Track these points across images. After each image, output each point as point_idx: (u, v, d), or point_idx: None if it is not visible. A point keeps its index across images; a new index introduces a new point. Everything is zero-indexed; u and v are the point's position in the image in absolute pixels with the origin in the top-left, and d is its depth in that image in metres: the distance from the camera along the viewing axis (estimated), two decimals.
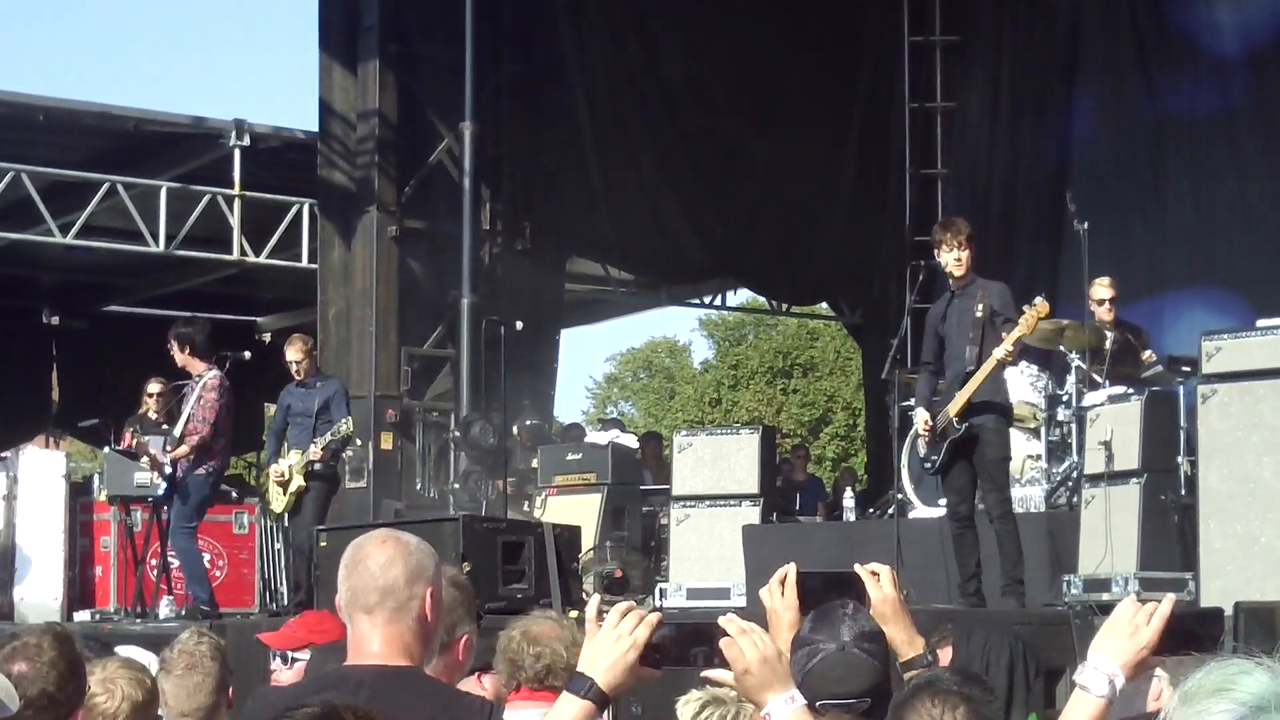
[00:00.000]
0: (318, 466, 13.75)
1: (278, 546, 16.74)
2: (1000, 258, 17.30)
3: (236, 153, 18.85)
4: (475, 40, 17.44)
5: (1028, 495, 12.78)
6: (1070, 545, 11.28)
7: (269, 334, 24.16)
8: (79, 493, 16.70)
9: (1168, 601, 3.40)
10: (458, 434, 17.34)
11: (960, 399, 10.49)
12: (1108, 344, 12.91)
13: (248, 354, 14.49)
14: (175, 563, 14.13)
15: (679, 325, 71.76)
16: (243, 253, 19.29)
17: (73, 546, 16.16)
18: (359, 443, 16.89)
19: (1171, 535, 10.77)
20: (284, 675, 5.79)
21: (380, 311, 17.80)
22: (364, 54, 17.96)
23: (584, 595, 11.89)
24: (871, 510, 16.24)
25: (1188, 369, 11.21)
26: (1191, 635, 3.44)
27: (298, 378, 14.07)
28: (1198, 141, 17.13)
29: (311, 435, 13.77)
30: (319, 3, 18.42)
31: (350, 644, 3.95)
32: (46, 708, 4.08)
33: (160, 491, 13.60)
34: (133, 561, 14.73)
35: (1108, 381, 12.49)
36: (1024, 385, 12.93)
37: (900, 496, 12.94)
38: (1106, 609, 3.46)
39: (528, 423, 17.19)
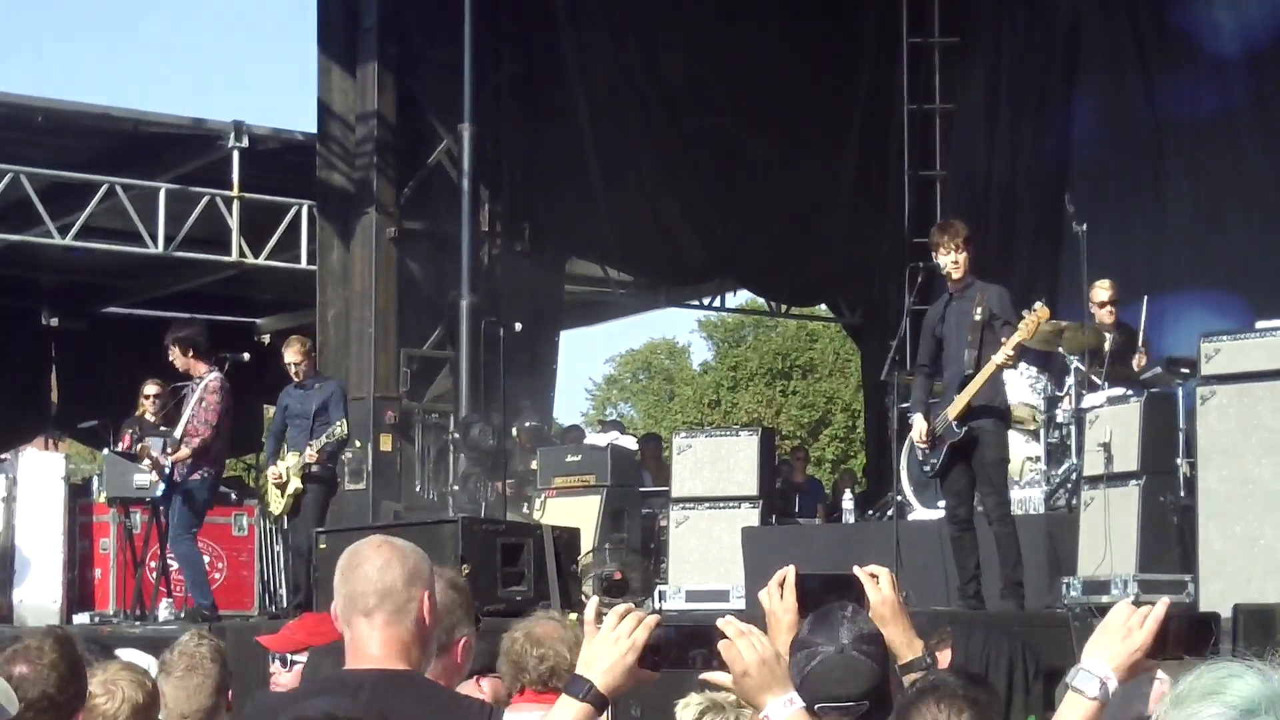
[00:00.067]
0: (315, 469, 13.74)
1: (277, 549, 16.73)
2: (999, 259, 17.30)
3: (235, 154, 18.85)
4: (474, 41, 17.44)
5: (1027, 497, 12.77)
6: (1069, 547, 11.28)
7: (268, 335, 24.17)
8: (78, 495, 16.69)
9: (1161, 604, 3.40)
10: (457, 435, 17.34)
11: (959, 402, 10.48)
12: (1107, 345, 12.91)
13: (247, 355, 14.48)
14: (174, 565, 14.12)
15: (678, 327, 71.82)
16: (241, 254, 19.29)
17: (72, 548, 16.15)
18: (358, 444, 16.89)
19: (1171, 537, 10.77)
20: (283, 678, 5.78)
21: (379, 313, 17.80)
22: (363, 55, 17.96)
23: (583, 597, 11.88)
24: (871, 512, 16.24)
25: (1187, 370, 11.21)
26: (1186, 638, 3.44)
27: (296, 379, 14.06)
28: (1197, 142, 17.13)
29: (309, 437, 13.76)
30: (318, 4, 18.43)
31: (348, 648, 3.94)
32: (47, 710, 4.08)
33: (159, 493, 13.60)
34: (132, 563, 14.72)
35: (1107, 383, 12.49)
36: (1023, 387, 12.92)
37: (899, 498, 12.93)
38: (1106, 611, 3.45)
39: (527, 424, 17.19)
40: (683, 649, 3.54)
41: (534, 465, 15.98)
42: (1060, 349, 13.11)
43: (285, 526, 14.92)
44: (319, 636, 5.68)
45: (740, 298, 27.21)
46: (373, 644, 3.87)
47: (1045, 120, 18.53)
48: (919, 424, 10.77)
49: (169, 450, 13.48)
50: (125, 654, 5.89)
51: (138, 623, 13.63)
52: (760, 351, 48.82)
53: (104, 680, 4.91)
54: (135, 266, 21.96)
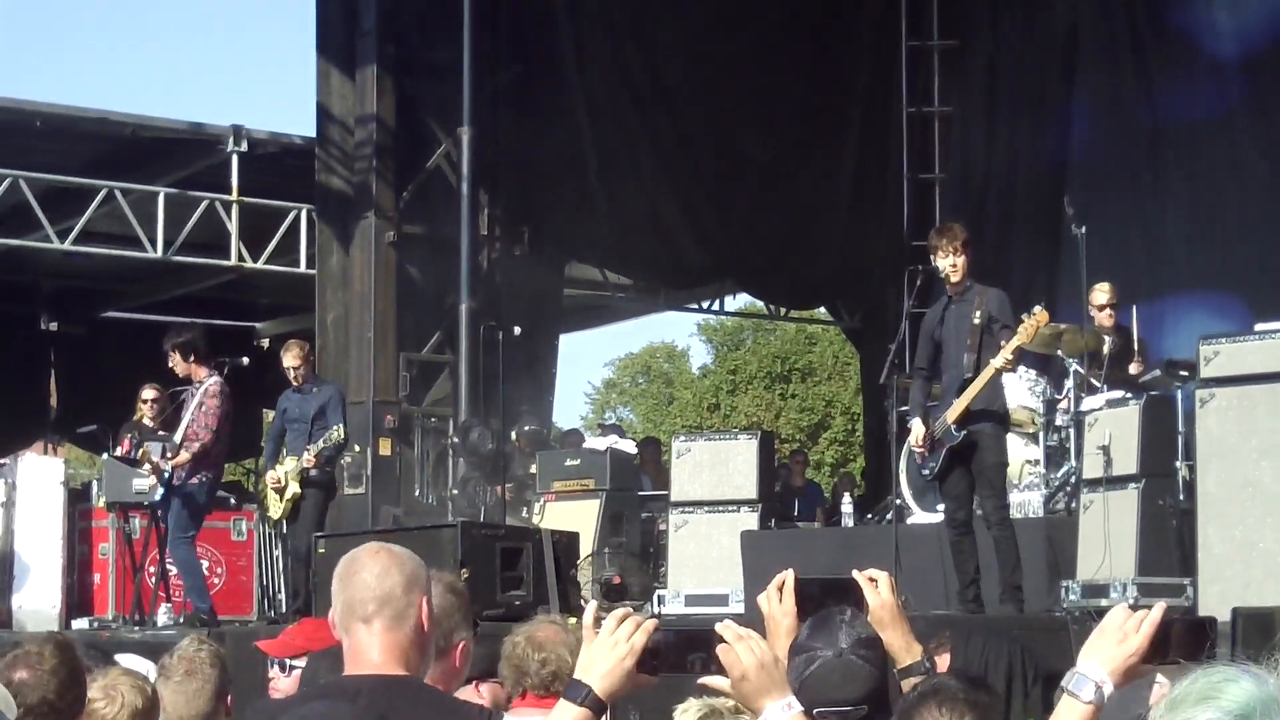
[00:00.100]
0: (313, 473, 13.72)
1: (276, 553, 16.73)
2: (998, 262, 17.30)
3: (234, 158, 18.86)
4: (473, 44, 17.46)
5: (1026, 501, 12.77)
6: (1069, 551, 11.27)
7: (267, 339, 24.15)
8: (77, 499, 16.69)
9: (1158, 609, 3.40)
10: (456, 440, 17.34)
11: (958, 406, 10.48)
12: (1106, 348, 12.90)
13: (246, 360, 14.48)
14: (174, 570, 14.12)
15: (677, 330, 71.72)
16: (241, 258, 19.30)
17: (71, 553, 16.14)
18: (357, 449, 16.88)
19: (1170, 540, 10.76)
20: (281, 683, 5.78)
21: (378, 316, 17.80)
22: (362, 59, 17.96)
23: (582, 601, 11.87)
24: (870, 516, 16.23)
25: (1186, 373, 11.20)
26: (1182, 643, 3.43)
27: (295, 383, 14.06)
28: (1196, 144, 17.14)
29: (307, 441, 13.75)
30: (316, 8, 18.42)
31: (347, 655, 3.93)
32: (47, 715, 4.09)
33: (158, 497, 13.60)
34: (131, 568, 14.72)
35: (1106, 386, 12.49)
36: (1022, 390, 12.92)
37: (899, 502, 12.92)
38: (1105, 615, 3.46)
39: (526, 428, 17.18)
40: (681, 653, 3.54)
41: (533, 469, 15.97)
42: (1059, 352, 13.11)
43: (284, 531, 14.92)
44: (318, 641, 5.67)
45: (739, 301, 27.23)
46: (372, 650, 3.87)
47: (1044, 123, 18.54)
48: (917, 428, 10.77)
49: (168, 455, 13.48)
50: (124, 659, 5.89)
51: (137, 628, 13.63)
52: (759, 355, 48.84)
53: (104, 685, 4.91)
54: (134, 271, 21.97)
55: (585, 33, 18.74)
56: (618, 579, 12.67)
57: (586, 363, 75.50)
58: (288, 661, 5.84)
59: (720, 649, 3.46)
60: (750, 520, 13.73)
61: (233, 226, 18.97)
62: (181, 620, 13.42)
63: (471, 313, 17.44)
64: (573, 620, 5.56)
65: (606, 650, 3.49)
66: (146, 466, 13.59)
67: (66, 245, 18.75)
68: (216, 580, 16.10)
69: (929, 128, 19.47)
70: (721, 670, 3.47)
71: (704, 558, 13.78)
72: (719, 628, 3.49)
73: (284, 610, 14.98)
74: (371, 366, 17.73)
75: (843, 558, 11.79)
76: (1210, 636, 3.54)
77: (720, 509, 13.87)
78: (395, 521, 16.41)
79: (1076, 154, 18.19)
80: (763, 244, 20.13)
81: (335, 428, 13.68)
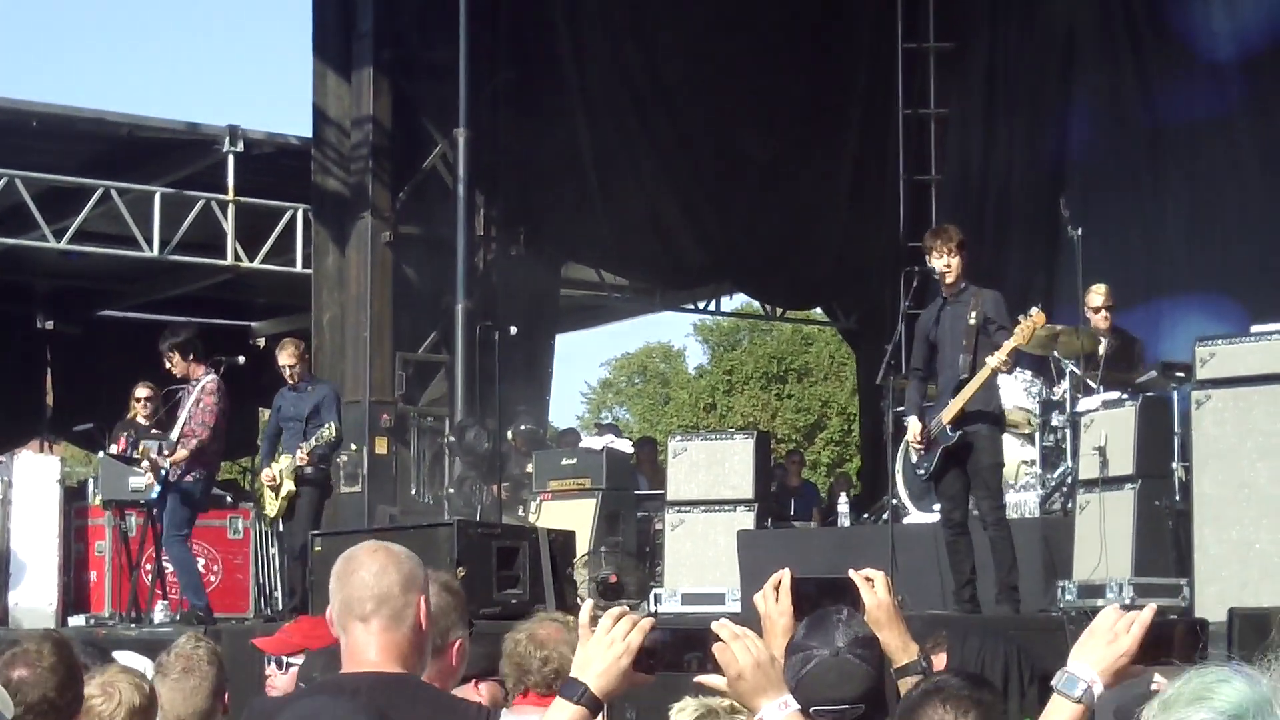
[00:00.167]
0: (308, 471, 13.71)
1: (272, 551, 16.71)
2: (994, 263, 17.32)
3: (230, 158, 18.86)
4: (470, 45, 17.46)
5: (1022, 501, 12.78)
6: (1065, 551, 11.28)
7: (263, 339, 24.14)
8: (73, 497, 16.68)
9: (1148, 610, 3.40)
10: (452, 439, 17.34)
11: (954, 407, 10.47)
12: (1102, 349, 12.91)
13: (242, 359, 14.47)
14: (170, 568, 14.12)
15: (674, 330, 71.67)
16: (237, 258, 19.29)
17: (67, 551, 16.14)
18: (354, 448, 16.88)
19: (1166, 541, 10.77)
20: (279, 680, 5.79)
21: (375, 317, 17.80)
22: (358, 60, 17.96)
23: (578, 600, 11.88)
24: (866, 516, 16.23)
25: (1182, 374, 11.22)
26: (1173, 644, 3.44)
27: (290, 382, 14.05)
28: (1194, 146, 17.14)
29: (302, 439, 13.75)
30: (313, 9, 18.41)
31: (345, 653, 3.94)
32: (47, 713, 4.10)
33: (154, 495, 13.60)
34: (127, 566, 14.70)
35: (1102, 387, 12.49)
36: (1018, 391, 12.93)
37: (895, 502, 12.92)
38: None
39: (522, 428, 17.18)
40: (678, 652, 3.54)
41: (529, 469, 15.97)
42: (1055, 353, 13.12)
43: (280, 529, 14.92)
44: (314, 639, 5.68)
45: (736, 301, 27.24)
46: (369, 649, 3.87)
47: (1041, 124, 18.55)
48: (914, 425, 10.75)
49: (165, 452, 13.47)
50: (122, 656, 5.89)
51: (133, 625, 13.62)
52: (755, 355, 48.82)
53: (101, 683, 4.91)
54: (130, 270, 21.97)
55: (584, 33, 18.73)
56: (614, 578, 12.67)
57: (583, 363, 75.61)
58: (285, 659, 5.85)
59: (716, 648, 3.46)
60: (746, 520, 13.74)
61: (229, 226, 18.96)
62: (178, 618, 13.41)
63: (468, 313, 17.44)
64: (572, 618, 5.55)
65: (603, 649, 3.50)
66: (145, 463, 13.59)
67: (63, 245, 18.74)
68: (213, 578, 16.10)
69: (926, 129, 19.48)
70: (718, 669, 3.47)
71: (700, 557, 13.79)
72: (715, 627, 3.49)
73: (280, 608, 14.98)
74: (368, 366, 17.73)
75: (839, 557, 11.77)
76: (1202, 638, 3.54)
77: (716, 508, 13.87)
78: (391, 520, 16.41)
79: (1074, 155, 18.19)
80: (761, 244, 20.14)
81: (328, 425, 13.66)
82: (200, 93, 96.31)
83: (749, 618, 3.95)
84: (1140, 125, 17.62)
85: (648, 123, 19.18)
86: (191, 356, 13.64)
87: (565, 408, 60.99)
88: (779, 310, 25.55)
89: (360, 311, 17.83)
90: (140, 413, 15.02)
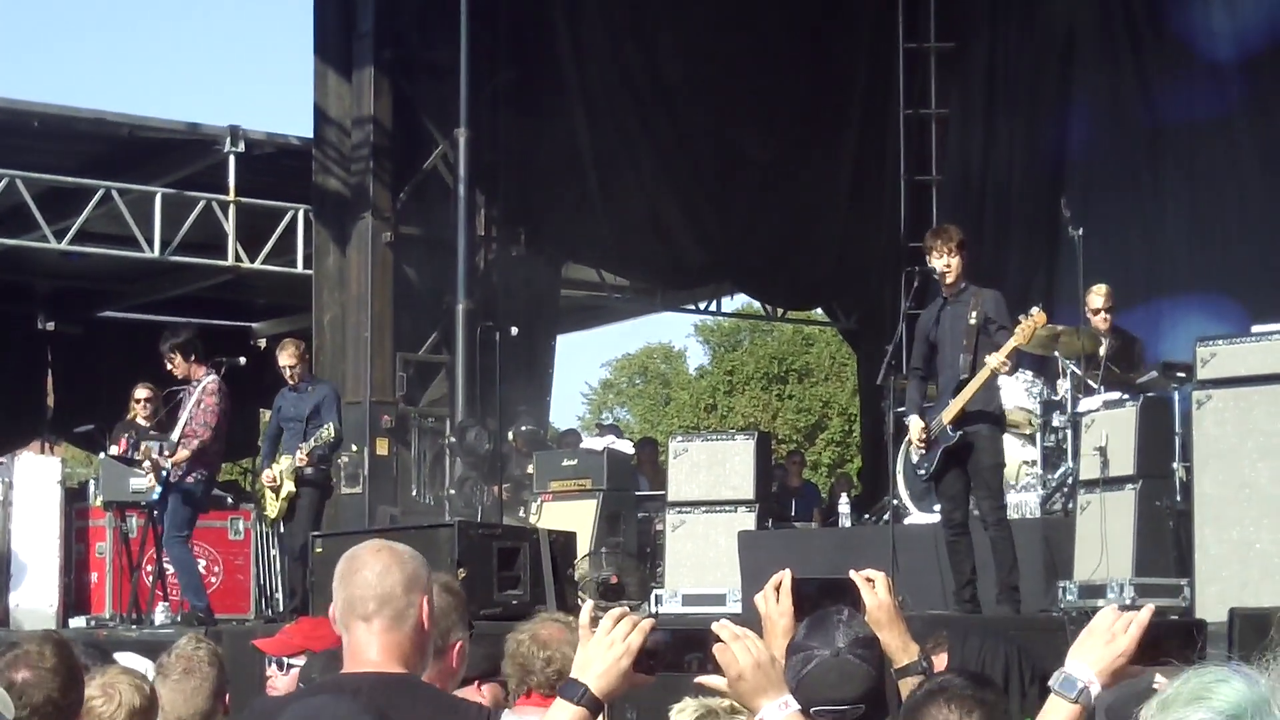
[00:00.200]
0: (308, 472, 13.70)
1: (273, 552, 16.71)
2: (995, 263, 17.33)
3: (231, 159, 18.87)
4: (470, 45, 17.45)
5: (1023, 501, 12.78)
6: (1065, 551, 11.28)
7: (264, 339, 24.14)
8: (74, 498, 16.67)
9: (1146, 610, 3.40)
10: (453, 440, 17.34)
11: (954, 407, 10.46)
12: (1102, 350, 12.90)
13: (243, 360, 14.47)
14: (170, 569, 14.11)
15: (674, 331, 71.68)
16: (238, 258, 19.30)
17: (68, 552, 16.14)
18: (354, 449, 16.88)
19: (1167, 541, 10.78)
20: (279, 681, 5.79)
21: (375, 317, 17.81)
22: (359, 60, 17.97)
23: (579, 601, 11.87)
24: (867, 516, 16.23)
25: (1183, 375, 11.22)
26: (1170, 644, 3.44)
27: (290, 382, 14.05)
28: (1194, 147, 17.14)
29: (302, 440, 13.74)
30: (314, 9, 18.43)
31: (346, 652, 3.94)
32: (51, 714, 4.09)
33: (155, 496, 13.59)
34: (128, 567, 14.69)
35: (1103, 387, 12.49)
36: (1019, 391, 12.93)
37: (896, 503, 12.93)
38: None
39: (523, 428, 17.19)
40: (678, 653, 3.54)
41: (530, 469, 15.97)
42: (1056, 353, 13.12)
43: (281, 530, 14.92)
44: (315, 640, 5.68)
45: (736, 302, 27.25)
46: (371, 649, 3.87)
47: (1041, 124, 18.55)
48: (915, 423, 10.73)
49: (166, 452, 13.47)
50: (123, 657, 5.89)
51: (134, 626, 13.60)
52: (756, 356, 48.81)
53: (102, 684, 4.91)
54: (131, 271, 21.98)
55: (584, 33, 18.74)
56: (615, 579, 12.67)
57: (583, 363, 75.65)
58: (285, 660, 5.85)
59: (717, 648, 3.46)
60: (747, 520, 13.73)
61: (230, 227, 18.96)
62: (179, 619, 13.40)
63: (468, 313, 17.45)
64: (573, 618, 5.55)
65: (603, 650, 3.50)
66: (146, 463, 13.58)
67: (64, 245, 18.74)
68: (214, 579, 16.09)
69: (926, 129, 19.48)
70: (718, 670, 3.47)
71: (701, 558, 13.78)
72: (716, 627, 3.49)
73: (281, 609, 14.97)
74: (368, 367, 17.73)
75: (840, 558, 11.79)
76: (1199, 638, 3.54)
77: (717, 509, 13.87)
78: (392, 521, 16.41)
79: (1075, 155, 18.19)
80: (762, 244, 20.15)
81: (326, 426, 13.65)
82: (201, 93, 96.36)
83: (750, 618, 3.94)
84: (1140, 125, 17.62)
85: (648, 123, 19.19)
86: (192, 357, 13.63)
87: (566, 408, 61.03)
88: (780, 311, 25.56)
89: (361, 312, 17.83)
90: (140, 414, 15.01)
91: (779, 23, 19.57)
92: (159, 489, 13.51)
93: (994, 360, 10.30)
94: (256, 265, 19.51)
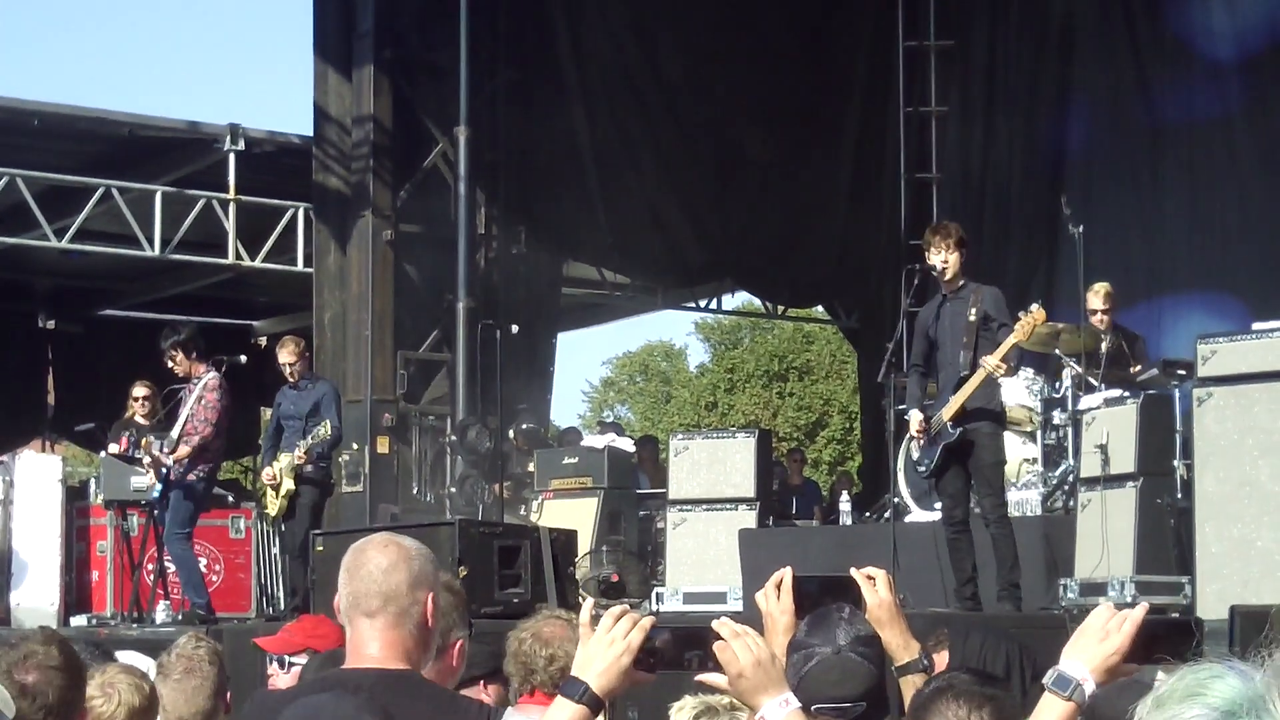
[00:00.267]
0: (307, 470, 13.70)
1: (274, 551, 16.71)
2: (994, 261, 17.33)
3: (231, 157, 18.85)
4: (470, 44, 17.46)
5: (1024, 499, 12.77)
6: (1066, 549, 11.27)
7: (264, 338, 24.15)
8: (75, 497, 16.68)
9: (1140, 608, 3.40)
10: (454, 438, 17.33)
11: (954, 404, 10.45)
12: (1103, 347, 12.90)
13: (244, 358, 14.47)
14: (171, 567, 14.11)
15: (675, 329, 71.63)
16: (238, 257, 19.29)
17: (69, 551, 16.15)
18: (355, 447, 16.88)
19: (1168, 539, 10.77)
20: (280, 680, 5.79)
21: (376, 315, 17.81)
22: (359, 59, 17.97)
23: (580, 600, 11.87)
24: (868, 514, 16.22)
25: (1183, 372, 11.21)
26: (1165, 642, 3.44)
27: (290, 380, 14.05)
28: (1194, 145, 17.15)
29: (301, 437, 13.74)
30: (314, 8, 18.43)
31: (349, 646, 3.94)
32: (58, 713, 4.09)
33: (156, 495, 13.59)
34: (129, 566, 14.70)
35: (1103, 385, 12.48)
36: (1019, 389, 12.92)
37: (896, 500, 12.93)
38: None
39: (524, 427, 17.18)
40: (678, 650, 3.54)
41: (531, 467, 15.97)
42: (1057, 351, 13.11)
43: (282, 529, 14.92)
44: (316, 639, 5.69)
45: (737, 300, 27.27)
46: (373, 645, 3.87)
47: (1041, 122, 18.55)
48: (915, 416, 10.71)
49: (166, 450, 13.47)
50: (124, 656, 5.89)
51: (135, 625, 13.61)
52: (757, 354, 48.82)
53: (102, 683, 4.91)
54: (132, 269, 21.97)
55: (584, 31, 18.75)
56: (615, 577, 12.67)
57: (584, 361, 75.54)
58: (286, 658, 5.85)
59: (717, 646, 3.46)
60: (748, 518, 13.73)
61: (230, 225, 18.96)
62: (180, 618, 13.40)
63: (469, 311, 17.44)
64: (575, 616, 5.55)
65: (604, 648, 3.50)
66: (147, 460, 13.58)
67: (64, 244, 18.74)
68: (215, 578, 16.09)
69: (926, 127, 19.48)
70: (719, 668, 3.47)
71: (702, 556, 13.78)
72: (716, 625, 3.49)
73: (282, 608, 14.98)
74: (369, 365, 17.73)
75: (840, 556, 11.77)
76: (1195, 636, 3.54)
77: (718, 507, 13.86)
78: (393, 519, 16.40)
79: (1075, 153, 18.20)
80: (762, 242, 20.15)
81: (324, 423, 13.63)
82: (201, 91, 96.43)
83: (750, 616, 3.95)
84: (1140, 124, 17.63)
85: (648, 121, 19.19)
86: (194, 355, 13.63)
87: (567, 406, 61.07)
88: (780, 308, 25.56)
89: (361, 310, 17.84)
90: (138, 412, 15.02)
91: (779, 22, 19.58)
92: (159, 487, 13.51)
93: (989, 362, 10.28)
94: (257, 263, 19.51)
